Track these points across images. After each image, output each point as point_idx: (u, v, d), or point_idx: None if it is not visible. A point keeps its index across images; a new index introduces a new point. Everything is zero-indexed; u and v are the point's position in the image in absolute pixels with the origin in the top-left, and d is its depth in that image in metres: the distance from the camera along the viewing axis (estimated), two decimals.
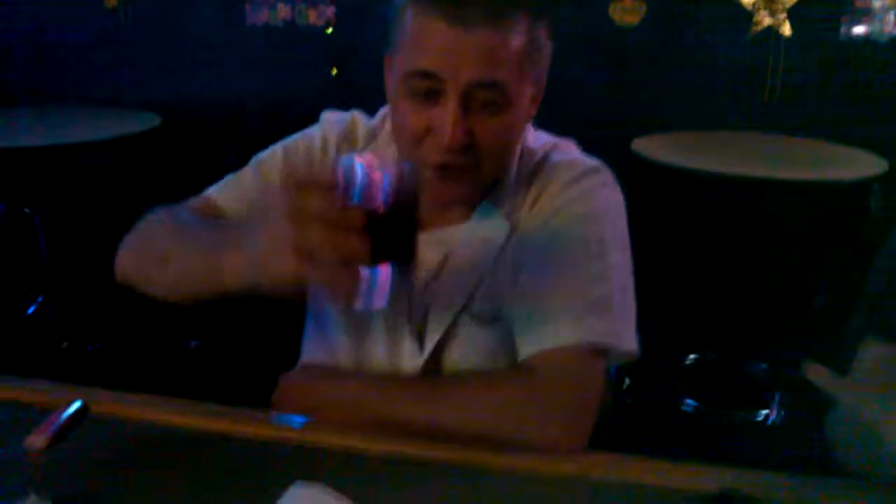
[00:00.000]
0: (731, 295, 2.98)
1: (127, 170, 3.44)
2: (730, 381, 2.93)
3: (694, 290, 3.07)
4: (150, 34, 3.59)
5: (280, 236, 0.81)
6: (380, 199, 0.81)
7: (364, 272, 0.81)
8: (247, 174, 1.27)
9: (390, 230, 0.82)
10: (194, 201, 1.26)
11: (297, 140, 1.29)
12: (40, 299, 3.26)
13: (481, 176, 1.12)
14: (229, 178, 1.28)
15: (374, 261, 0.81)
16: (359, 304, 0.82)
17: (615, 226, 1.17)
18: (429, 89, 1.05)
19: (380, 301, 0.83)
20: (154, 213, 1.19)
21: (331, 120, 1.30)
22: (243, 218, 1.16)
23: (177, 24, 3.55)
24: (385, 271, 0.83)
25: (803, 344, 2.90)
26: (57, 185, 3.34)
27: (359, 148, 1.27)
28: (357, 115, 1.31)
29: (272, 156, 1.28)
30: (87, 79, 3.66)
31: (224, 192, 1.26)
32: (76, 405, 0.94)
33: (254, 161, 1.29)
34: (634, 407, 2.40)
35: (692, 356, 3.05)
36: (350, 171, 0.80)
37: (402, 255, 0.85)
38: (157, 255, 1.10)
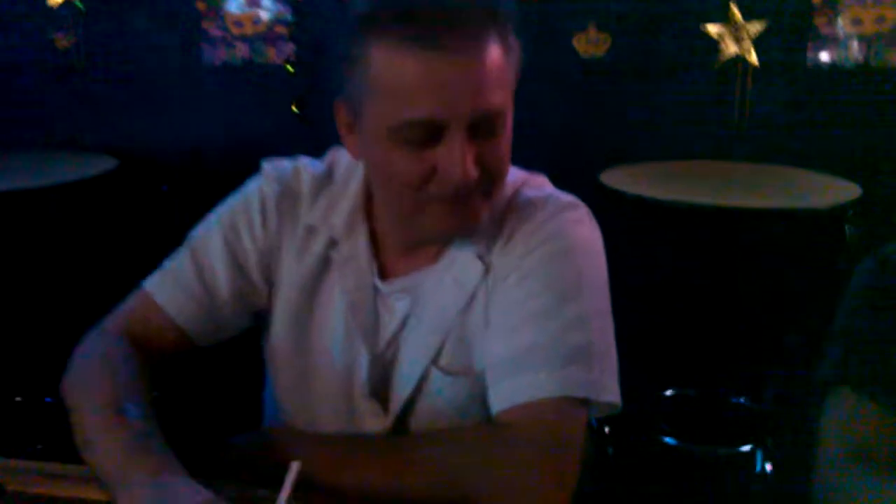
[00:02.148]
0: (706, 328, 2.92)
1: (81, 216, 3.33)
2: (710, 415, 2.87)
3: (669, 324, 3.01)
4: (105, 75, 3.49)
5: None
6: None
7: None
8: (183, 263, 1.17)
9: None
10: (133, 303, 1.18)
11: (232, 209, 1.19)
12: None
13: (492, 199, 1.05)
14: (167, 269, 1.18)
15: None
16: None
17: (593, 265, 1.10)
18: (427, 134, 0.97)
19: None
20: (90, 352, 1.12)
21: (270, 175, 1.19)
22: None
23: (132, 63, 3.47)
24: None
25: (781, 377, 2.86)
26: (4, 235, 3.22)
27: (303, 201, 1.17)
28: (301, 165, 1.21)
29: (207, 236, 1.18)
30: (38, 121, 3.55)
31: (162, 288, 1.16)
32: None
33: (188, 244, 1.19)
34: (615, 449, 2.34)
35: (670, 392, 2.99)
36: None
37: None
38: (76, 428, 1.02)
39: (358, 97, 1.02)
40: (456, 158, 0.97)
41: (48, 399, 2.88)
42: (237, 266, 1.16)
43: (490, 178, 1.02)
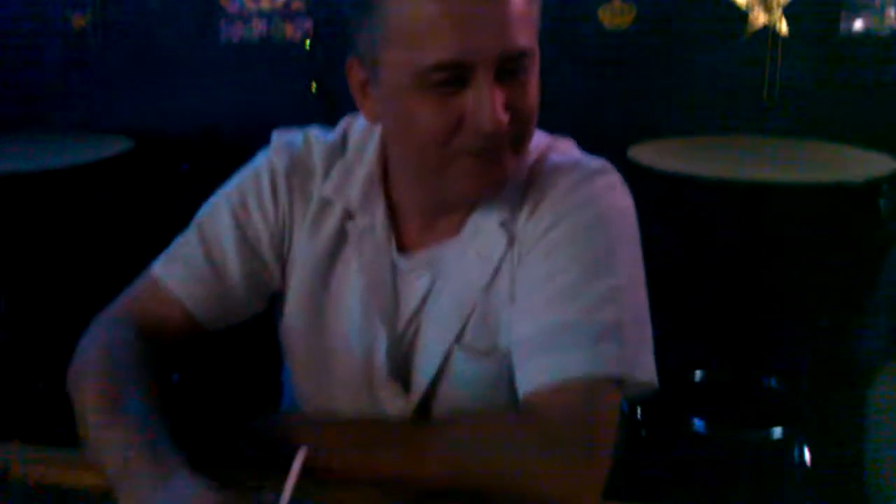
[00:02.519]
0: (737, 306, 2.86)
1: (99, 197, 3.31)
2: (741, 397, 2.81)
3: (699, 303, 2.95)
4: (121, 54, 3.47)
5: None
6: None
7: None
8: (190, 243, 1.11)
9: None
10: (140, 286, 1.12)
11: (241, 184, 1.13)
12: None
13: (520, 154, 1.00)
14: (174, 250, 1.13)
15: None
16: None
17: (626, 235, 1.03)
18: (451, 78, 0.91)
19: None
20: (92, 342, 1.07)
21: (280, 147, 1.13)
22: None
23: (148, 43, 3.44)
24: None
25: (815, 356, 2.79)
26: (19, 217, 3.20)
27: (315, 173, 1.11)
28: (311, 135, 1.14)
29: (215, 213, 1.12)
30: (55, 102, 3.53)
31: (170, 271, 1.11)
32: None
33: (196, 223, 1.13)
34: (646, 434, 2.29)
35: (699, 373, 2.93)
36: None
37: None
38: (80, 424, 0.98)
39: (373, 50, 0.95)
40: (485, 104, 0.90)
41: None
42: (248, 245, 1.10)
43: (520, 129, 0.96)
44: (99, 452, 0.91)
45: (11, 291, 3.12)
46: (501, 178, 0.99)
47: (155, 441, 0.89)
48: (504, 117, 0.91)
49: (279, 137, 1.15)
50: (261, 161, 1.13)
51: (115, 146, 2.98)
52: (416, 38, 0.90)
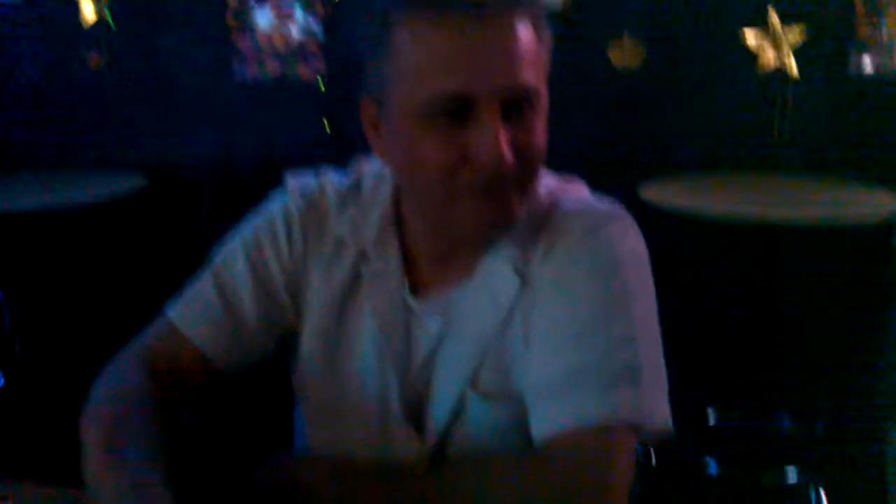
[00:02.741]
0: (750, 346, 2.83)
1: (112, 235, 3.33)
2: (755, 439, 2.77)
3: (711, 343, 2.93)
4: (137, 93, 3.50)
5: None
6: None
7: None
8: (206, 287, 1.12)
9: None
10: (155, 330, 1.12)
11: (256, 228, 1.13)
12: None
13: (527, 195, 0.99)
14: (189, 295, 1.13)
15: None
16: None
17: (640, 279, 1.03)
18: (456, 111, 0.91)
19: None
20: (104, 387, 1.06)
21: (294, 190, 1.14)
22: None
23: (164, 81, 3.47)
24: None
25: (830, 397, 2.76)
26: (29, 255, 3.22)
27: (330, 216, 1.12)
28: (325, 178, 1.15)
29: (230, 256, 1.12)
30: (70, 139, 3.56)
31: (186, 316, 1.11)
32: None
33: (210, 266, 1.14)
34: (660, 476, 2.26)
35: (713, 414, 2.90)
36: None
37: None
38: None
39: (383, 86, 0.96)
40: (489, 139, 0.91)
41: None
42: (263, 289, 1.11)
43: (525, 170, 0.96)
44: (97, 495, 0.91)
45: (25, 327, 3.12)
46: (508, 218, 0.98)
47: (148, 485, 0.89)
48: (508, 153, 0.92)
49: (293, 180, 1.15)
50: (275, 204, 1.14)
51: (130, 184, 3.01)
52: (422, 72, 0.91)
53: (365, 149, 1.10)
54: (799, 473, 2.54)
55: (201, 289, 1.12)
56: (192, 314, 1.11)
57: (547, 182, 1.09)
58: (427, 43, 0.91)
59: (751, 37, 2.91)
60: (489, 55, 0.91)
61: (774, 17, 2.87)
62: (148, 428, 0.99)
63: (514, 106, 0.93)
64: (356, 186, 1.14)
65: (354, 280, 1.10)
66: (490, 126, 0.91)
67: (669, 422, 0.97)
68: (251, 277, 1.10)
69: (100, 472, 0.93)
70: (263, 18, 3.31)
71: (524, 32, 0.93)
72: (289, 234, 1.11)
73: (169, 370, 1.09)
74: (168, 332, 1.11)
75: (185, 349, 1.10)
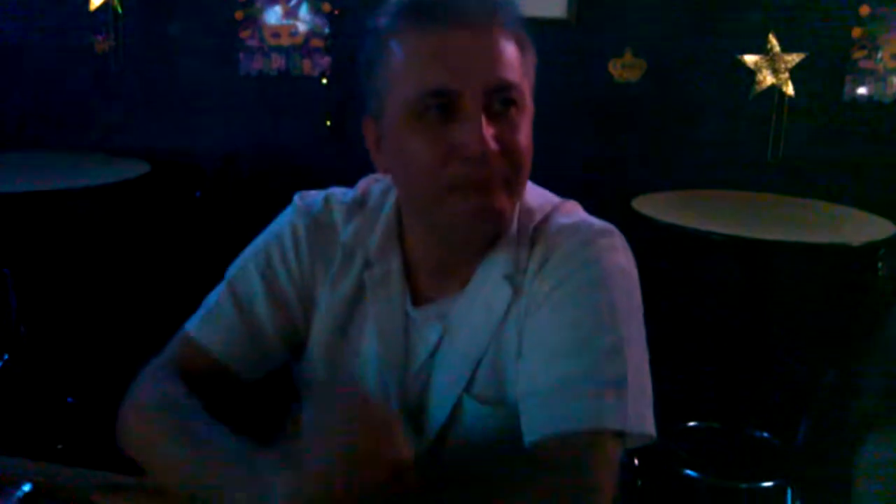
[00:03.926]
0: (734, 360, 2.89)
1: (114, 219, 3.36)
2: (733, 449, 2.83)
3: (696, 355, 2.99)
4: (142, 79, 3.53)
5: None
6: None
7: None
8: (223, 303, 1.17)
9: None
10: (176, 346, 1.17)
11: (266, 245, 1.19)
12: (6, 357, 3.13)
13: (514, 196, 1.05)
14: (207, 309, 1.18)
15: None
16: None
17: (628, 294, 1.08)
18: (442, 108, 0.98)
19: None
20: (145, 391, 1.10)
21: (301, 208, 1.20)
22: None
23: (169, 69, 3.50)
24: None
25: (810, 411, 2.82)
26: (36, 237, 3.24)
27: (336, 230, 1.17)
28: (331, 195, 1.21)
29: (244, 272, 1.17)
30: (75, 123, 3.59)
31: (204, 330, 1.16)
32: (25, 488, 0.86)
33: (227, 282, 1.19)
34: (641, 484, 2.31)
35: (694, 423, 2.96)
36: None
37: None
38: (155, 462, 1.02)
39: (380, 101, 1.03)
40: (472, 129, 0.97)
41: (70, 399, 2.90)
42: (277, 302, 1.16)
43: (510, 166, 1.01)
44: (193, 476, 0.95)
45: (29, 311, 3.15)
46: (496, 214, 1.03)
47: (243, 446, 0.93)
48: (492, 143, 0.98)
49: (301, 200, 1.21)
50: (284, 222, 1.19)
51: (132, 169, 3.04)
52: (410, 74, 0.99)
53: (365, 148, 1.15)
54: (775, 482, 2.60)
55: (219, 304, 1.17)
56: (210, 328, 1.16)
57: (544, 200, 1.14)
58: (415, 50, 0.99)
59: (750, 57, 2.97)
60: (471, 55, 0.98)
61: (774, 42, 2.93)
62: (203, 412, 1.03)
63: (499, 104, 0.99)
64: (362, 200, 1.19)
65: (360, 289, 1.15)
66: (474, 118, 0.97)
67: (653, 429, 1.01)
68: (265, 293, 1.15)
69: (187, 455, 0.97)
70: (271, 13, 3.35)
71: (505, 42, 1.01)
72: (297, 249, 1.16)
73: (194, 382, 1.12)
74: (190, 346, 1.15)
75: (208, 362, 1.14)
